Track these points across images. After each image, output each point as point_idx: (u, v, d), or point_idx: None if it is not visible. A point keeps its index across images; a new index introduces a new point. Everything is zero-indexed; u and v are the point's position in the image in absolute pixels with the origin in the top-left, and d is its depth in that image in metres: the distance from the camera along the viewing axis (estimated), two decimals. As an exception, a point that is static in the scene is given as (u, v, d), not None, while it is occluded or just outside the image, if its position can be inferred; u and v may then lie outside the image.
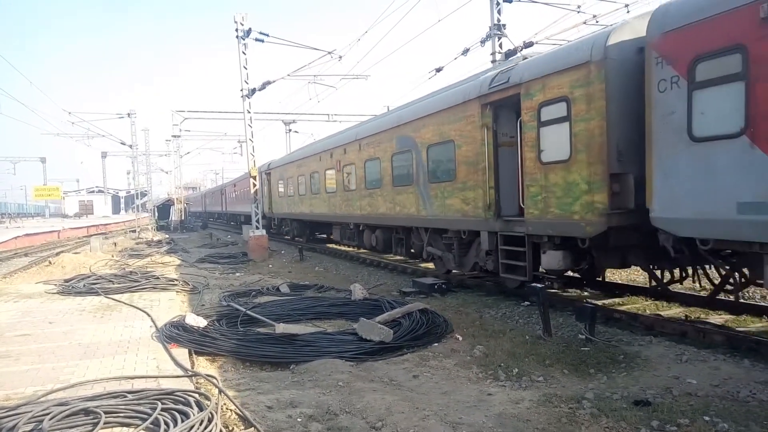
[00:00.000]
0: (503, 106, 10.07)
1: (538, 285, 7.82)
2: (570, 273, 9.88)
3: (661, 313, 8.46)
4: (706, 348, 6.67)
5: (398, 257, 15.83)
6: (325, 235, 23.10)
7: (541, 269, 9.24)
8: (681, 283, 9.03)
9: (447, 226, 11.90)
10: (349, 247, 20.42)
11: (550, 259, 8.82)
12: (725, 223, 6.19)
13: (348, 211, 17.57)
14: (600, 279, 10.18)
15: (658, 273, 8.95)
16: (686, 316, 8.27)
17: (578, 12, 17.21)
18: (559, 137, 8.43)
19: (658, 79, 6.87)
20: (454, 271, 12.46)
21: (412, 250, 14.41)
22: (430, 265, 14.20)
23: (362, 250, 18.46)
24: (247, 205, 34.26)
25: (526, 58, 10.07)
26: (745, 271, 7.24)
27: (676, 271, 8.70)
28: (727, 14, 6.07)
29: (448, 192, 11.64)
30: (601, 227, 7.71)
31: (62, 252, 23.41)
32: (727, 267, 7.43)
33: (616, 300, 9.66)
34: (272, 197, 27.59)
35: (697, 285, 9.08)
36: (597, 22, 16.34)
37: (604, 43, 7.64)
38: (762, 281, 6.44)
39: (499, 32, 17.15)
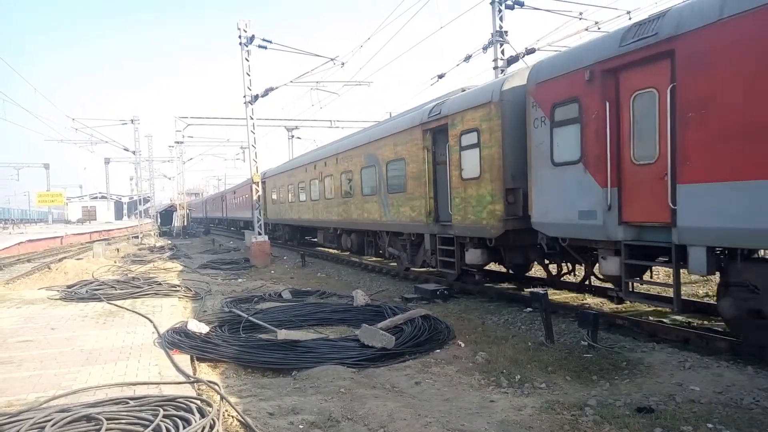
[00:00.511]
0: (438, 132, 12.24)
1: (541, 291, 7.81)
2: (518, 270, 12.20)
3: (664, 320, 8.43)
4: (709, 355, 6.65)
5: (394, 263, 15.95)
6: (313, 239, 25.06)
7: (466, 264, 11.50)
8: (572, 275, 11.18)
9: (401, 229, 14.27)
10: (331, 249, 22.68)
11: (471, 256, 11.14)
12: (572, 226, 8.42)
13: (328, 217, 20.08)
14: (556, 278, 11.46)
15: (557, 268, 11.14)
16: (689, 322, 8.25)
17: (580, 19, 17.28)
18: (473, 159, 10.75)
19: (533, 118, 9.13)
20: (413, 268, 14.56)
21: (380, 251, 16.75)
22: (433, 270, 14.28)
23: (366, 257, 19.22)
24: (245, 211, 36.90)
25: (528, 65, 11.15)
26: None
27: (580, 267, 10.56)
28: (569, 74, 8.32)
29: (401, 201, 13.98)
30: (501, 230, 10.02)
31: (65, 258, 23.46)
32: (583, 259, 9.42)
33: (619, 306, 9.64)
34: (267, 204, 29.54)
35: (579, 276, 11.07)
36: (599, 28, 16.39)
37: (500, 88, 9.96)
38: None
39: (501, 39, 17.22)
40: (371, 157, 15.75)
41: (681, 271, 7.02)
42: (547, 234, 9.08)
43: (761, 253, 6.81)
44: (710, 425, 4.62)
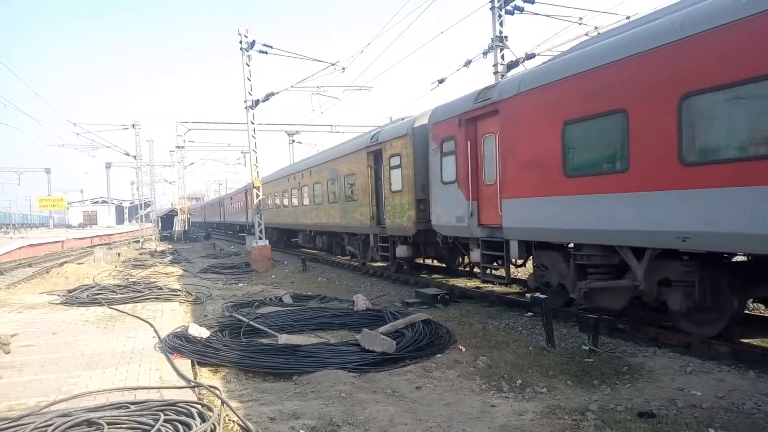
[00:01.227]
0: (377, 153, 15.77)
1: (542, 296, 7.81)
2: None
3: (665, 324, 8.42)
4: (711, 359, 6.64)
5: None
6: (294, 239, 28.60)
7: (397, 257, 15.11)
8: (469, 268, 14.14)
9: (355, 231, 17.99)
10: (308, 248, 26.20)
11: (400, 251, 14.82)
12: (454, 228, 11.77)
13: (305, 221, 23.83)
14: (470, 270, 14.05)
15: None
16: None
17: (580, 24, 17.32)
18: (397, 176, 14.34)
19: (431, 148, 12.52)
20: (367, 263, 17.81)
21: (345, 249, 20.34)
22: (429, 275, 14.37)
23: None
24: (240, 216, 41.17)
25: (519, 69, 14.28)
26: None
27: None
28: (449, 119, 11.57)
29: (354, 208, 17.46)
30: (414, 230, 13.64)
31: (66, 262, 23.46)
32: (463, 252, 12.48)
33: (621, 312, 9.62)
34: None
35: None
36: (599, 33, 16.41)
37: (413, 125, 13.67)
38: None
39: (501, 44, 17.23)
40: (334, 171, 19.39)
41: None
42: (441, 233, 12.53)
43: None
44: (712, 430, 4.61)
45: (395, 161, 14.40)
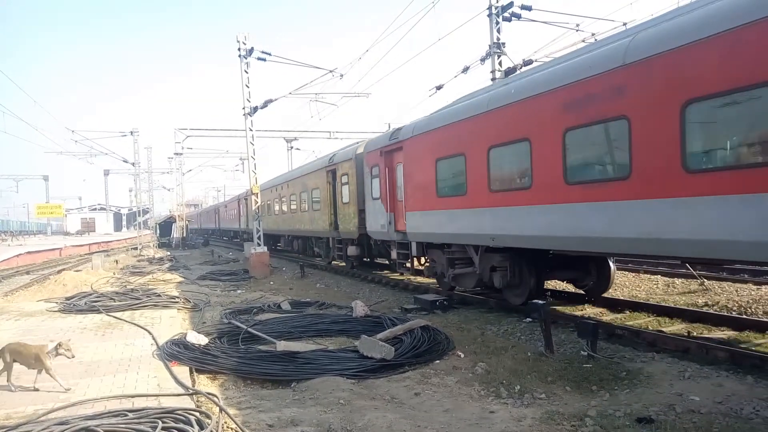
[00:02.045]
0: (334, 172, 19.49)
1: (540, 302, 7.82)
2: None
3: (664, 329, 8.43)
4: (709, 364, 6.64)
5: (398, 276, 16.36)
6: (279, 244, 31.74)
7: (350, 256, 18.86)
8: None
9: (320, 235, 21.98)
10: (289, 251, 29.92)
11: (350, 251, 18.63)
12: (380, 233, 15.17)
13: (285, 227, 27.80)
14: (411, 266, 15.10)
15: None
16: (688, 332, 8.25)
17: (577, 30, 17.40)
18: (346, 191, 18.07)
19: (365, 171, 15.95)
20: (332, 262, 21.65)
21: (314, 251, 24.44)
22: (429, 280, 14.40)
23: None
24: (233, 223, 45.22)
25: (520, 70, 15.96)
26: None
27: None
28: (374, 150, 15.00)
29: (318, 216, 21.27)
30: (356, 234, 17.38)
31: (64, 270, 23.41)
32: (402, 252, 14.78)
33: (618, 316, 9.64)
34: (248, 216, 36.73)
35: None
36: (596, 40, 16.49)
37: (355, 152, 17.27)
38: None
39: (498, 50, 17.30)
40: (305, 185, 23.24)
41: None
42: (373, 237, 16.18)
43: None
44: (710, 435, 4.61)
45: (345, 179, 18.28)
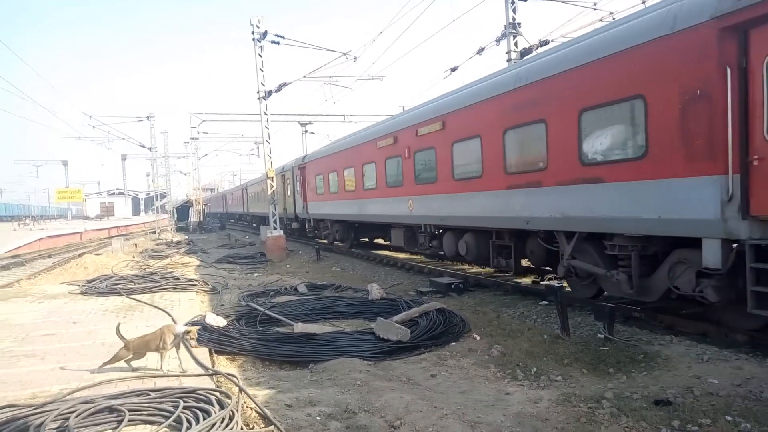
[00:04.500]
0: (288, 174, 28.27)
1: (556, 284, 7.79)
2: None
3: (682, 312, 8.35)
4: (728, 347, 6.59)
5: (417, 257, 16.31)
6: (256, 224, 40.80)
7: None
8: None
9: (286, 216, 28.78)
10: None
11: (294, 225, 28.61)
12: (301, 213, 26.21)
13: (253, 211, 41.16)
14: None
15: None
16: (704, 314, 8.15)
17: (594, 9, 17.05)
18: (291, 189, 27.97)
19: (296, 177, 26.53)
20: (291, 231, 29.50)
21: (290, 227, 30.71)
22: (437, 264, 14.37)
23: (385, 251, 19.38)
24: (238, 207, 53.03)
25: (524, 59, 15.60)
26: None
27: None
28: (297, 165, 26.50)
29: (288, 202, 28.62)
30: (293, 215, 27.75)
31: (84, 253, 23.80)
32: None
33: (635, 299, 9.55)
34: (248, 202, 45.47)
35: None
36: (613, 19, 16.15)
37: (295, 165, 26.97)
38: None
39: (514, 31, 17.07)
40: (278, 179, 28.71)
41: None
42: (299, 216, 26.06)
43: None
44: (729, 418, 4.59)
45: (289, 180, 27.95)
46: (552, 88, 8.85)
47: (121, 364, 6.16)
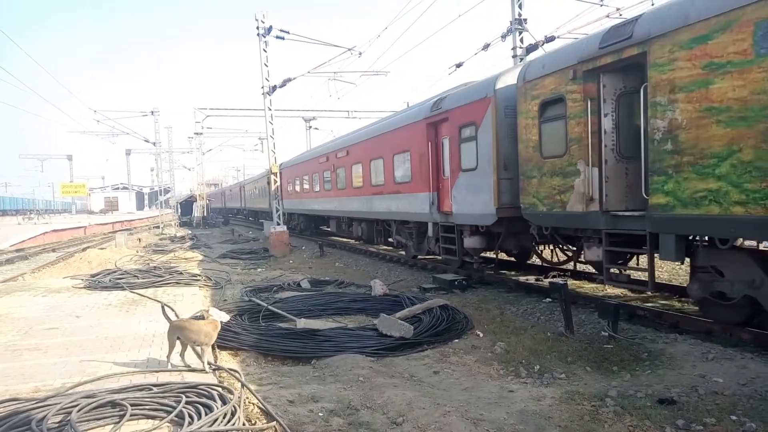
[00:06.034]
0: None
1: (560, 281, 7.75)
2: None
3: (686, 311, 8.31)
4: (733, 346, 6.54)
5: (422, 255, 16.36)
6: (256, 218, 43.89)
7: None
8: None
9: (269, 210, 29.24)
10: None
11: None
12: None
13: (258, 206, 40.55)
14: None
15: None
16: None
17: (601, 5, 16.94)
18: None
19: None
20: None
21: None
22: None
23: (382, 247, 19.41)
24: (236, 202, 56.01)
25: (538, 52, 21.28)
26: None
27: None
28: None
29: (266, 201, 32.98)
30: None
31: (88, 247, 23.88)
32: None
33: (640, 296, 9.52)
34: (245, 198, 49.24)
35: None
36: (620, 15, 16.03)
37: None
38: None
39: (520, 27, 16.96)
40: (262, 181, 34.62)
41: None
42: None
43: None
44: (734, 417, 4.56)
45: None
46: (384, 140, 15.86)
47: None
